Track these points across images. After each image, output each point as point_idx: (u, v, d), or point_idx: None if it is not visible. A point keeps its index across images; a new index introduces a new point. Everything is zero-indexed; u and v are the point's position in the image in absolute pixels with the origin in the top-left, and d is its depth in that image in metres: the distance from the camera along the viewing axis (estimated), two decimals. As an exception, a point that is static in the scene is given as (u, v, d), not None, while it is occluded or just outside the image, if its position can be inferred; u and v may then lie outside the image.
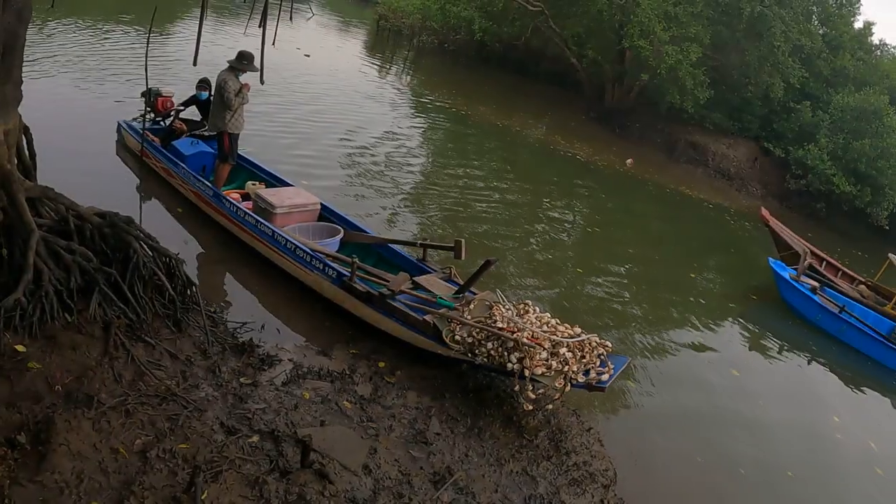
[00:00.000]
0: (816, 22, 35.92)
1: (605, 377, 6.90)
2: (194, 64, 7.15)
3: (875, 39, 40.14)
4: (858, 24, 38.42)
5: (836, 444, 10.10)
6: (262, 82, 7.84)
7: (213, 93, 10.07)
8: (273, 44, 7.47)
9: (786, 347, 13.73)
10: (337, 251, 8.67)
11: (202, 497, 4.58)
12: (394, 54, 35.12)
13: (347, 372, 6.78)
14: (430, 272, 8.58)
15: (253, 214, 8.79)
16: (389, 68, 30.86)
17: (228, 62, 9.57)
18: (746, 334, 13.64)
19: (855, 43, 37.47)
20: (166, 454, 4.92)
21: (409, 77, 29.86)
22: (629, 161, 26.46)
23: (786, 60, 31.19)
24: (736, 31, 30.24)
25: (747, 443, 9.03)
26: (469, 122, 22.89)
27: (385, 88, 24.28)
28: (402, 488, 5.51)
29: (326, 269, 7.83)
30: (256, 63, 8.65)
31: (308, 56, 24.43)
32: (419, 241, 9.07)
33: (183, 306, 6.68)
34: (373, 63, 30.14)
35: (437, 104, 23.98)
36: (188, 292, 6.83)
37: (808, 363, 13.51)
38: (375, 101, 21.00)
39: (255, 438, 5.40)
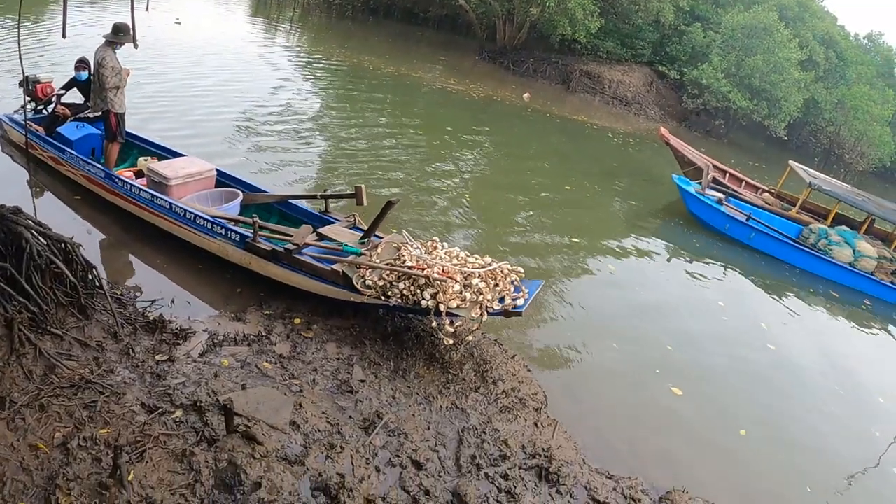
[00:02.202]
0: (704, -55, 36.39)
1: (520, 302, 6.91)
2: (63, 36, 6.84)
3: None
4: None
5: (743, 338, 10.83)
6: (135, 46, 7.54)
7: (92, 72, 9.64)
8: (147, 9, 7.19)
9: (698, 258, 14.25)
10: (238, 214, 8.46)
11: (128, 478, 4.42)
12: (280, 15, 34.31)
13: (264, 333, 6.64)
14: (334, 222, 8.46)
15: (148, 190, 8.45)
16: (276, 29, 30.15)
17: (104, 37, 9.17)
18: (658, 250, 14.08)
19: None
20: (88, 442, 4.72)
21: (296, 36, 29.26)
22: (526, 95, 26.67)
23: (675, -16, 31.65)
24: (625, -40, 30.48)
25: (666, 346, 9.51)
26: (362, 75, 22.61)
27: (273, 49, 23.73)
28: (333, 438, 5.44)
29: (229, 233, 7.61)
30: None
31: (179, 22, 23.54)
32: (319, 193, 8.87)
33: (87, 292, 6.34)
34: (259, 25, 29.42)
35: (328, 60, 23.59)
36: (89, 277, 6.52)
37: (724, 271, 14.12)
38: (263, 63, 20.50)
39: (179, 413, 5.25)
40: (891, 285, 15.67)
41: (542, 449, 6.19)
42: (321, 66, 22.29)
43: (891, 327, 14.24)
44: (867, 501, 7.50)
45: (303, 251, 7.37)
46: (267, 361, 6.23)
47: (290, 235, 7.69)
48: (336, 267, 7.06)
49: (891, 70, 47.87)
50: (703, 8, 35.89)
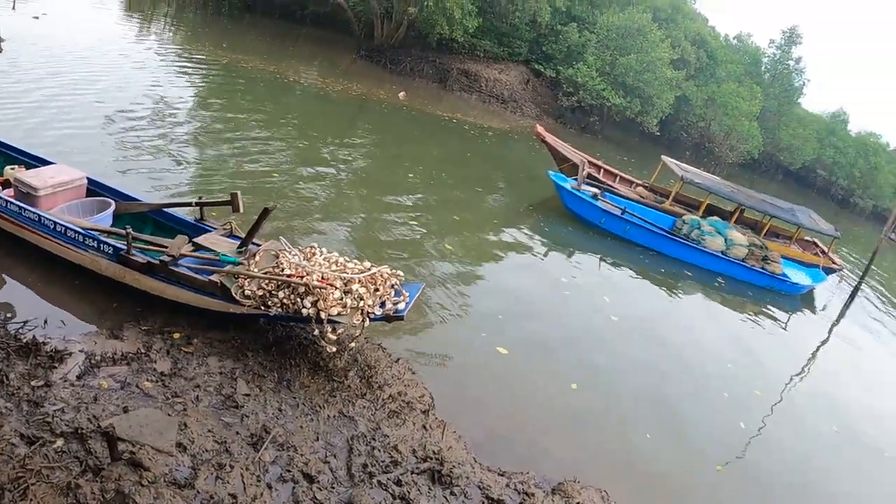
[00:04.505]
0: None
1: (401, 305, 6.91)
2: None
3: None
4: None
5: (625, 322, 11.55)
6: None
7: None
8: (13, 7, 6.85)
9: (574, 252, 14.79)
10: (111, 225, 8.15)
11: (11, 520, 4.21)
12: (154, 11, 33.24)
13: (142, 350, 6.37)
14: (210, 231, 8.21)
15: (16, 202, 8.02)
16: (150, 26, 29.14)
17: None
18: (536, 246, 14.48)
19: None
20: (-36, 486, 4.42)
21: (171, 33, 28.32)
22: (402, 94, 26.72)
23: (551, -15, 32.30)
24: (501, -40, 30.89)
25: (549, 341, 9.93)
26: (238, 74, 22.06)
27: (147, 48, 22.83)
28: (222, 458, 5.30)
29: (102, 245, 7.28)
30: None
31: (37, 17, 22.50)
32: (194, 201, 8.56)
33: (-54, 319, 6.05)
34: (132, 23, 28.33)
35: (204, 59, 22.93)
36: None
37: (599, 263, 14.82)
38: (135, 63, 19.72)
39: (60, 442, 4.96)
40: (761, 271, 16.60)
41: (433, 451, 6.22)
42: (196, 65, 21.68)
43: (742, 302, 15.71)
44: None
45: (179, 262, 7.14)
46: (147, 380, 6.01)
47: (166, 246, 7.40)
48: (214, 278, 6.87)
49: (758, 68, 50.24)
50: (579, 8, 36.82)
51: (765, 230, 19.33)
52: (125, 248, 7.14)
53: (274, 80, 22.87)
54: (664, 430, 8.62)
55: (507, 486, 6.22)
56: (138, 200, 8.87)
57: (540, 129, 20.37)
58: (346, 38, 34.39)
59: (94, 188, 8.91)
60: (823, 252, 20.54)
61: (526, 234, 14.95)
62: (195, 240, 7.70)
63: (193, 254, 7.41)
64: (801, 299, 17.70)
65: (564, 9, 35.08)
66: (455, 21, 29.62)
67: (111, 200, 8.58)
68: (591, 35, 34.75)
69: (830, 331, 16.62)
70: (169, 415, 5.59)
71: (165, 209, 8.79)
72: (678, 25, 40.22)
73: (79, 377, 5.87)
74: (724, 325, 14.03)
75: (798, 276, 17.66)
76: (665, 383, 9.99)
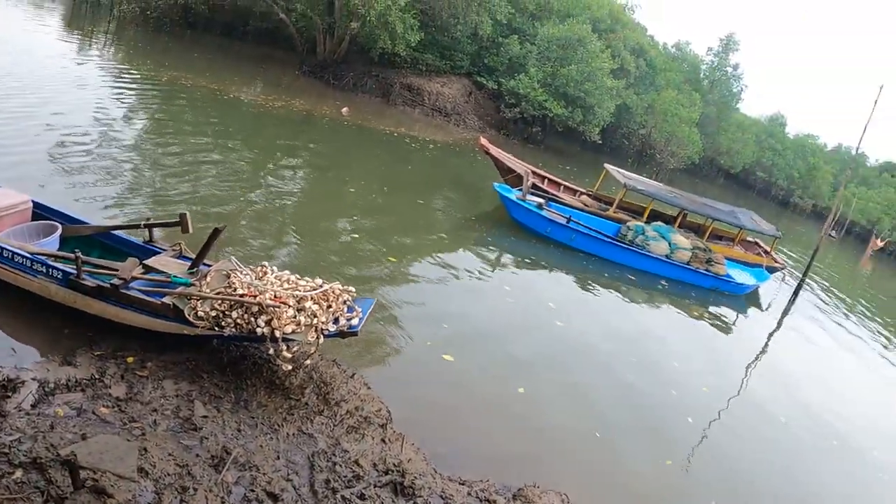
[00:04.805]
0: (520, -38, 37.72)
1: (354, 321, 6.97)
2: None
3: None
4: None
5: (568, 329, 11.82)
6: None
7: None
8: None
9: (520, 261, 15.03)
10: (59, 249, 8.05)
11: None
12: (94, 28, 32.74)
13: (97, 376, 6.29)
14: (159, 252, 8.16)
15: (-42, 229, 7.96)
16: (91, 43, 28.70)
17: None
18: (482, 256, 14.69)
19: None
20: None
21: (112, 51, 27.94)
22: (344, 109, 26.78)
23: (492, -1, 32.62)
24: (443, -26, 31.15)
25: (498, 347, 10.19)
26: (181, 92, 21.85)
27: (87, 66, 22.47)
28: (185, 481, 5.27)
29: (51, 270, 7.16)
30: None
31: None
32: (143, 223, 8.44)
33: None
34: (71, 40, 27.84)
35: (145, 77, 22.67)
36: None
37: (544, 271, 15.16)
38: (77, 82, 19.42)
39: (19, 473, 4.87)
40: (706, 273, 17.01)
41: (394, 464, 6.27)
42: (138, 84, 21.44)
43: (687, 303, 16.19)
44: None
45: (130, 285, 7.06)
46: (104, 406, 5.95)
47: (116, 269, 7.31)
48: (166, 300, 6.84)
49: (697, 75, 51.36)
50: (520, 21, 37.27)
51: (707, 233, 19.79)
52: (75, 272, 7.06)
53: (216, 97, 22.73)
54: (612, 428, 8.84)
55: (469, 494, 6.31)
56: (85, 223, 8.76)
57: (484, 141, 20.57)
58: (288, 54, 34.34)
59: (40, 212, 8.78)
60: (766, 252, 21.16)
61: (471, 245, 15.16)
62: (146, 262, 7.62)
63: (144, 276, 7.35)
64: (746, 298, 18.22)
65: (505, 21, 35.47)
66: (397, 35, 29.80)
67: (58, 224, 8.47)
68: (533, 47, 35.18)
69: (775, 327, 17.20)
70: (128, 440, 5.54)
71: (113, 231, 8.70)
72: (618, 35, 40.94)
73: (33, 406, 5.79)
74: (670, 325, 14.46)
75: (742, 277, 18.16)
76: (611, 383, 10.25)
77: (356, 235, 13.23)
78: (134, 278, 7.18)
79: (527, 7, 37.56)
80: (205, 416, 6.16)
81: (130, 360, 6.76)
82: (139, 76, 22.58)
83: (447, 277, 12.61)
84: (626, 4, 49.20)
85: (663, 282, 16.87)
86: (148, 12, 34.57)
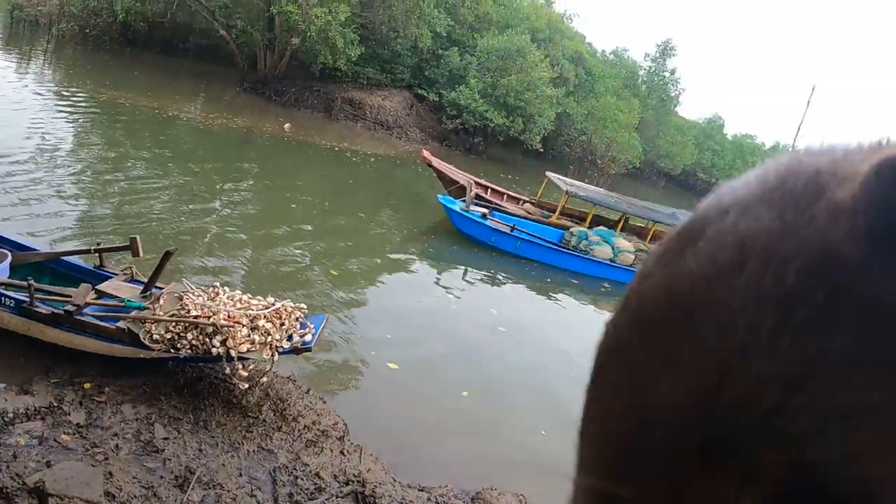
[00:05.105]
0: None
1: (308, 337, 7.15)
2: None
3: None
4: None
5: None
6: None
7: None
8: None
9: (464, 270, 15.30)
10: (8, 277, 8.08)
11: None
12: (32, 48, 32.25)
13: (55, 403, 6.32)
14: (110, 277, 8.19)
15: None
16: (28, 65, 28.32)
17: None
18: (426, 267, 15.05)
19: None
20: None
21: (50, 71, 27.64)
22: (287, 126, 26.77)
23: (431, 11, 33.00)
24: (382, -12, 31.33)
25: (446, 355, 10.49)
26: (121, 112, 21.64)
27: (24, 88, 22.28)
28: (151, 502, 5.39)
29: (3, 299, 7.17)
30: None
31: None
32: (93, 248, 8.51)
33: None
34: (8, 61, 27.54)
35: (85, 96, 22.40)
36: None
37: (488, 279, 15.44)
38: (16, 104, 19.26)
39: None
40: (651, 274, 17.44)
41: (354, 475, 6.44)
42: (79, 104, 21.20)
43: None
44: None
45: (84, 311, 7.10)
46: (65, 433, 6.00)
47: (69, 296, 7.33)
48: (121, 324, 6.92)
49: (635, 81, 52.23)
50: (460, 33, 37.63)
51: (650, 235, 20.26)
52: (28, 300, 7.07)
53: (157, 116, 22.56)
54: (558, 425, 8.99)
55: (429, 500, 6.50)
56: (35, 250, 8.74)
57: (426, 153, 20.78)
58: (229, 71, 34.18)
59: (-13, 240, 8.76)
60: (708, 249, 21.68)
61: (415, 256, 15.45)
62: (98, 287, 7.67)
63: (98, 301, 7.40)
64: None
65: (445, 34, 35.80)
66: (338, 50, 29.94)
67: (6, 251, 8.41)
68: (472, 58, 35.54)
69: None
70: (92, 465, 5.62)
71: (64, 257, 8.72)
72: (556, 45, 41.51)
73: (-7, 436, 5.85)
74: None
75: (686, 274, 18.67)
76: (553, 382, 10.48)
77: (299, 251, 13.38)
78: (87, 304, 7.22)
79: (466, 19, 37.95)
80: (166, 438, 6.25)
81: (88, 386, 6.79)
82: (79, 95, 22.35)
83: (392, 289, 12.91)
84: (565, 14, 49.98)
85: (606, 284, 17.28)
86: (87, 31, 34.13)
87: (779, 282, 0.34)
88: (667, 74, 54.47)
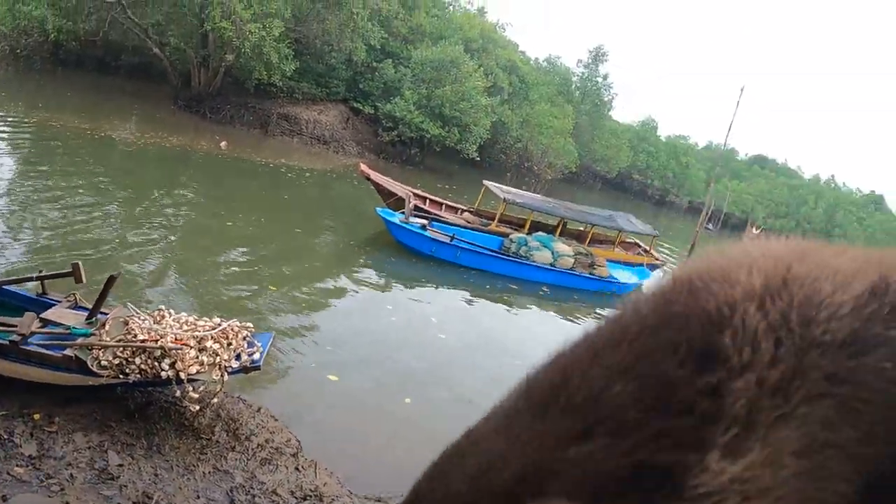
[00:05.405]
0: (392, -15, 38.24)
1: (256, 356, 7.21)
2: None
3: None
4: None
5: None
6: None
7: None
8: None
9: (404, 281, 15.54)
10: (-52, 310, 7.96)
11: None
12: (-41, 70, 31.56)
13: (5, 436, 6.27)
14: (54, 304, 8.09)
15: None
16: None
17: None
18: (368, 279, 15.11)
19: (429, 2, 41.31)
20: None
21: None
22: (223, 143, 26.63)
23: (365, 25, 33.13)
24: (316, 2, 31.42)
25: (392, 364, 10.76)
26: (54, 135, 21.28)
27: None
28: (109, 530, 5.36)
29: None
30: None
31: None
32: (35, 275, 8.33)
33: None
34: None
35: (15, 120, 22.01)
36: None
37: (428, 289, 15.69)
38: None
39: None
40: (590, 276, 17.87)
41: (311, 490, 6.54)
42: (10, 128, 20.85)
43: (569, 307, 17.07)
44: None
45: (29, 340, 7.00)
46: (18, 466, 5.96)
47: (14, 325, 7.18)
48: (68, 352, 6.85)
49: (569, 87, 53.00)
50: (394, 45, 37.84)
51: (588, 238, 20.73)
52: (-29, 333, 6.99)
53: (91, 137, 22.24)
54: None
55: (386, 510, 6.67)
56: (-27, 281, 8.69)
57: (364, 167, 20.90)
58: (163, 89, 33.85)
59: (-76, 274, 8.67)
60: (646, 251, 22.30)
61: (355, 269, 15.56)
62: (42, 315, 7.55)
63: (43, 330, 7.30)
64: (632, 296, 19.24)
65: (379, 46, 35.99)
66: (273, 65, 29.93)
67: (-55, 285, 8.40)
68: (407, 70, 35.80)
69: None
70: (49, 497, 5.62)
71: (5, 286, 8.63)
72: (490, 54, 41.99)
73: (-56, 473, 5.78)
74: (550, 327, 15.22)
75: (625, 276, 19.17)
76: (494, 384, 10.66)
77: (240, 270, 13.45)
78: (33, 333, 7.11)
79: (400, 31, 38.19)
80: (120, 465, 6.26)
81: (37, 416, 6.75)
82: (10, 120, 21.98)
83: (333, 302, 13.05)
84: (498, 23, 50.53)
85: (545, 288, 17.62)
86: (17, 51, 33.38)
87: None
88: (600, 80, 55.46)
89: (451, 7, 46.62)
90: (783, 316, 0.51)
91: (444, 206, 22.12)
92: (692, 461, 0.49)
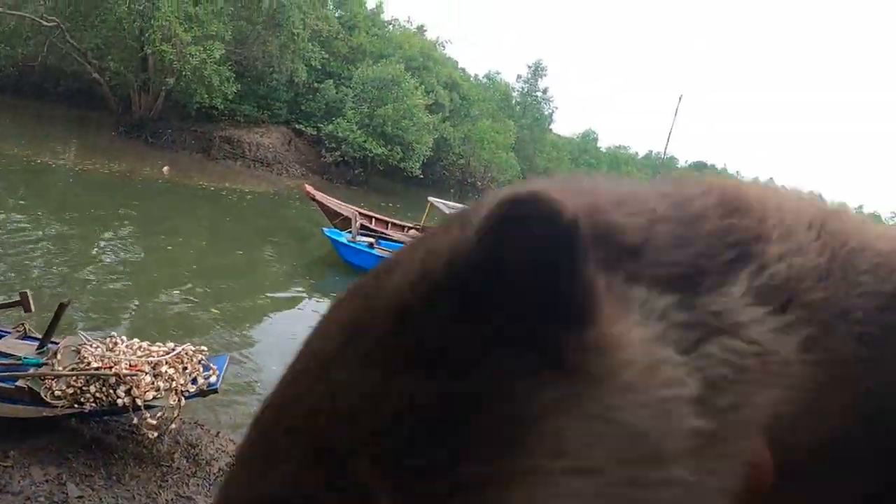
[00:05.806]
0: (332, 6, 38.62)
1: (213, 379, 7.17)
2: None
3: (387, 16, 45.76)
4: (371, 5, 43.24)
5: None
6: None
7: None
8: None
9: None
10: None
11: None
12: None
13: None
14: (3, 335, 7.90)
15: None
16: None
17: None
18: (314, 300, 15.14)
19: (369, 21, 41.41)
20: None
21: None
22: (165, 169, 26.42)
23: (306, 45, 33.25)
24: (256, 24, 31.53)
25: None
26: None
27: None
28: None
29: None
30: None
31: None
32: None
33: None
34: None
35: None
36: None
37: None
38: None
39: None
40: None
41: (274, 511, 6.65)
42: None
43: None
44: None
45: None
46: None
47: None
48: (20, 383, 6.71)
49: (509, 102, 53.62)
50: (335, 65, 37.98)
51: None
52: (-82, 368, 6.82)
53: (30, 165, 21.95)
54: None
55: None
56: (-81, 317, 8.59)
57: (309, 188, 20.97)
58: (103, 115, 33.36)
59: None
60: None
61: (301, 290, 15.66)
62: None
63: None
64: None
65: (320, 66, 36.08)
66: (214, 88, 29.84)
67: None
68: (349, 90, 35.92)
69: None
70: None
71: None
72: (430, 71, 42.25)
73: None
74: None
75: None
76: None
77: (184, 295, 13.34)
78: None
79: (340, 51, 38.37)
80: (80, 497, 6.18)
81: (-9, 451, 6.62)
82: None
83: (281, 323, 13.04)
84: (437, 40, 50.88)
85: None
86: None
87: None
88: (539, 94, 56.17)
89: (390, 26, 46.91)
90: (832, 250, 0.49)
91: (389, 225, 22.24)
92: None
